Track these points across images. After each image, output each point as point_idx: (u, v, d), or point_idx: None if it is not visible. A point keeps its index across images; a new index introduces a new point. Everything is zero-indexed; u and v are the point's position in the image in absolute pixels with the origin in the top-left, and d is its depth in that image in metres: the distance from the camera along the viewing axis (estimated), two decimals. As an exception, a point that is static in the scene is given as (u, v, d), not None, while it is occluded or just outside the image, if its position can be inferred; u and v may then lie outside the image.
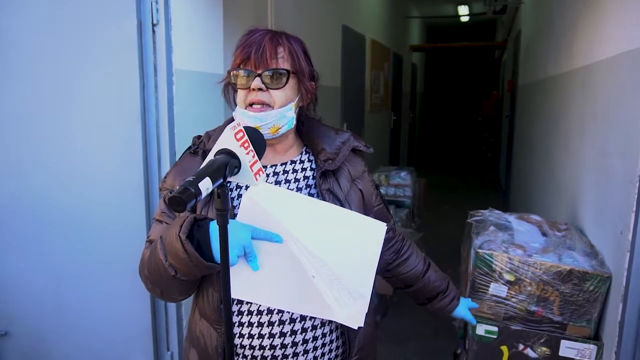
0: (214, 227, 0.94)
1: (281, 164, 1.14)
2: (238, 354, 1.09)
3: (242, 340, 1.07)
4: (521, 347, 1.81)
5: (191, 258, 0.92)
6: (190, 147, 1.14)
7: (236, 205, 1.07)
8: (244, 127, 0.89)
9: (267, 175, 1.12)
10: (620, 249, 1.60)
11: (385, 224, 1.10)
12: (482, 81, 13.28)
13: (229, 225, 0.85)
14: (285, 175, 1.13)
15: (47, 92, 1.97)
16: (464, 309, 1.48)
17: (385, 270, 1.39)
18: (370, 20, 6.34)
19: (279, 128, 1.07)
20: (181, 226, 0.93)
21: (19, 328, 2.17)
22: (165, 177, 1.13)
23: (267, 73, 1.03)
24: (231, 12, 2.42)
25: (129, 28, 1.87)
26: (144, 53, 1.91)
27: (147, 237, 1.13)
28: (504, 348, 1.82)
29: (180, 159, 1.15)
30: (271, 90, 1.04)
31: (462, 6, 9.51)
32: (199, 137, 1.16)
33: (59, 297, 2.11)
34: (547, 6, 3.91)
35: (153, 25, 1.90)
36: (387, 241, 1.31)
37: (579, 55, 2.50)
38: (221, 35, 2.28)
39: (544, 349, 1.79)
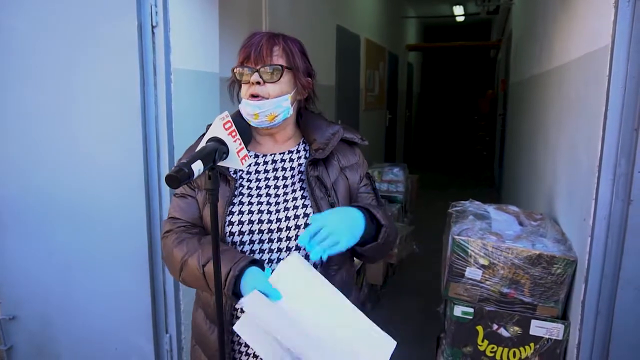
0: (246, 283, 1.08)
1: (279, 153, 1.28)
2: (237, 317, 1.22)
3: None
4: (495, 326, 1.94)
5: (232, 301, 1.10)
6: (204, 134, 1.29)
7: (237, 189, 1.23)
8: (231, 118, 1.02)
9: (266, 163, 1.26)
10: (584, 234, 1.74)
11: (395, 342, 1.13)
12: (478, 80, 13.39)
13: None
14: (282, 163, 1.27)
15: (51, 91, 2.09)
16: None
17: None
18: (365, 20, 6.46)
19: (276, 116, 1.21)
20: (226, 282, 1.07)
21: (26, 312, 2.30)
22: (181, 158, 1.28)
23: (263, 69, 1.17)
24: (227, 14, 2.55)
25: (130, 29, 1.98)
26: (143, 53, 2.02)
27: (169, 215, 1.28)
28: (479, 328, 1.96)
29: (194, 143, 1.30)
30: (267, 84, 1.18)
31: (457, 6, 9.64)
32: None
33: (64, 283, 2.23)
34: (533, 7, 4.05)
35: (152, 27, 2.02)
36: None
37: (557, 55, 2.64)
38: (217, 36, 2.40)
39: (516, 328, 1.92)
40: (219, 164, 1.00)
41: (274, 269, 1.11)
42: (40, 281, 2.25)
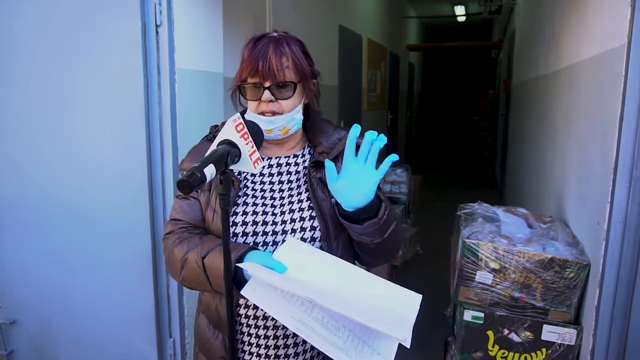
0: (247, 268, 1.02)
1: (285, 157, 1.25)
2: (242, 323, 1.19)
3: (247, 311, 1.18)
4: (506, 331, 1.91)
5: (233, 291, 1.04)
6: (207, 135, 1.26)
7: (241, 191, 1.19)
8: (243, 119, 0.98)
9: (271, 166, 1.23)
10: (598, 238, 1.70)
11: (420, 295, 1.08)
12: (478, 80, 13.37)
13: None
14: (288, 167, 1.24)
15: (53, 91, 2.06)
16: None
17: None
18: (367, 20, 6.43)
19: (289, 129, 1.18)
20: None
21: (26, 316, 2.26)
22: (183, 161, 1.25)
23: (275, 86, 1.12)
24: (230, 13, 2.51)
25: (134, 29, 1.95)
26: (147, 53, 1.99)
27: (170, 217, 1.23)
28: (490, 333, 1.92)
29: (197, 144, 1.26)
30: (280, 101, 1.13)
31: (459, 6, 9.61)
32: (216, 126, 1.27)
33: (65, 286, 2.20)
34: (538, 6, 4.02)
35: (156, 26, 1.99)
36: None
37: (566, 55, 2.60)
38: (221, 35, 2.37)
39: (528, 333, 1.89)
40: (230, 167, 0.96)
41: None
42: (41, 284, 2.21)
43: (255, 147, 0.98)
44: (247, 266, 0.99)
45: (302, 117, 1.20)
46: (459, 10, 9.83)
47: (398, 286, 1.07)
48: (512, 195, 5.30)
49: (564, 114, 2.54)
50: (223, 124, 1.23)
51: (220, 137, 0.97)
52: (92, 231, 2.14)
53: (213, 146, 0.97)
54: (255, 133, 1.01)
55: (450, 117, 13.87)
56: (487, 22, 11.28)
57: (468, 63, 13.67)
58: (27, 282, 2.23)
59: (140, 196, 2.07)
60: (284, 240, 1.15)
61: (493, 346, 1.92)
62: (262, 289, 0.98)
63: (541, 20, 3.71)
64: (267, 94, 1.11)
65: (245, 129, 0.97)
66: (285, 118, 1.15)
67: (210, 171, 0.87)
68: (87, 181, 2.11)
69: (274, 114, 1.13)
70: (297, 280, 1.01)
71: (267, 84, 1.11)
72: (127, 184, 2.08)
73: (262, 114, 1.14)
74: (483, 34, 12.19)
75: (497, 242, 1.93)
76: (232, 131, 0.96)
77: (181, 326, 2.23)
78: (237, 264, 1.02)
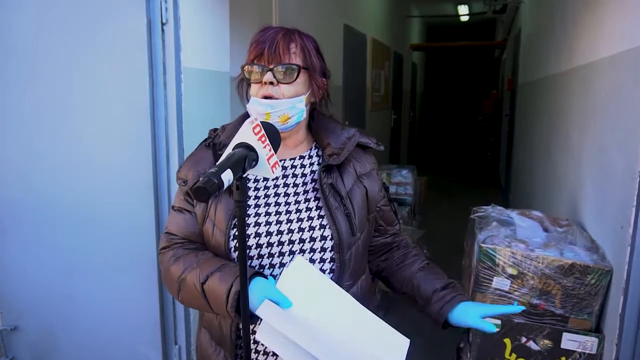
0: (253, 294, 0.97)
1: (290, 159, 1.17)
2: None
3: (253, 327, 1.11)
4: (524, 339, 1.85)
5: (235, 319, 1.00)
6: (206, 140, 1.19)
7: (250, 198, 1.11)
8: (260, 122, 0.92)
9: None
10: (621, 243, 1.64)
11: (408, 340, 1.07)
12: (481, 80, 13.32)
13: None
14: (293, 169, 1.16)
15: (56, 90, 2.00)
16: (468, 313, 1.18)
17: (380, 275, 1.35)
18: (371, 19, 6.37)
19: (289, 118, 1.09)
20: (227, 298, 0.98)
21: (28, 322, 2.20)
22: (181, 167, 1.17)
23: (278, 68, 1.06)
24: (237, 12, 2.46)
25: (139, 27, 1.89)
26: (153, 51, 1.93)
27: (166, 229, 1.16)
28: (507, 341, 1.86)
29: (195, 150, 1.19)
30: (281, 85, 1.07)
31: (462, 5, 9.55)
32: (215, 130, 1.20)
33: (67, 291, 2.14)
34: (547, 5, 3.95)
35: (162, 24, 1.93)
36: (384, 245, 1.32)
37: (580, 54, 2.54)
38: (227, 34, 2.31)
39: (546, 341, 1.82)
40: (247, 172, 0.89)
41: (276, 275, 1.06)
42: (43, 289, 2.16)
43: (272, 151, 0.92)
44: (263, 311, 0.94)
45: (304, 108, 1.12)
46: (462, 9, 9.77)
47: (389, 327, 1.08)
48: (518, 197, 5.23)
49: (579, 113, 2.48)
50: (223, 128, 1.17)
51: (236, 140, 0.91)
52: (95, 234, 2.08)
53: (229, 149, 0.91)
54: (272, 136, 0.95)
55: (453, 117, 13.81)
56: (490, 21, 11.21)
57: (471, 63, 13.61)
58: (28, 287, 2.17)
59: (145, 198, 2.02)
60: (291, 252, 1.08)
61: (510, 354, 1.86)
62: (272, 332, 0.95)
63: (551, 18, 3.65)
64: (268, 75, 1.06)
65: (263, 131, 0.91)
66: (285, 103, 1.08)
67: (227, 177, 0.80)
68: (90, 183, 2.05)
69: (273, 98, 1.07)
70: (301, 319, 0.98)
71: (270, 66, 1.07)
72: (132, 186, 2.02)
73: (263, 97, 1.08)
74: (486, 33, 12.11)
75: (515, 247, 1.87)
76: (249, 133, 0.90)
77: (187, 332, 2.17)
78: (254, 312, 0.96)
